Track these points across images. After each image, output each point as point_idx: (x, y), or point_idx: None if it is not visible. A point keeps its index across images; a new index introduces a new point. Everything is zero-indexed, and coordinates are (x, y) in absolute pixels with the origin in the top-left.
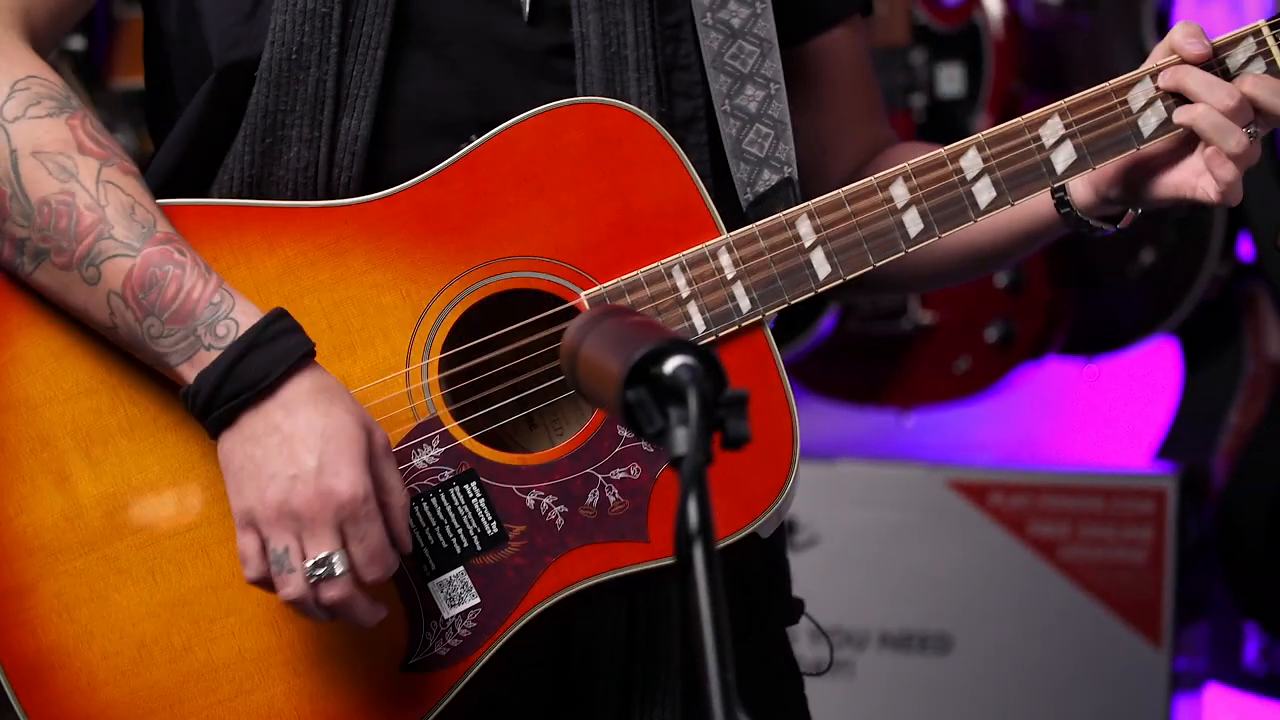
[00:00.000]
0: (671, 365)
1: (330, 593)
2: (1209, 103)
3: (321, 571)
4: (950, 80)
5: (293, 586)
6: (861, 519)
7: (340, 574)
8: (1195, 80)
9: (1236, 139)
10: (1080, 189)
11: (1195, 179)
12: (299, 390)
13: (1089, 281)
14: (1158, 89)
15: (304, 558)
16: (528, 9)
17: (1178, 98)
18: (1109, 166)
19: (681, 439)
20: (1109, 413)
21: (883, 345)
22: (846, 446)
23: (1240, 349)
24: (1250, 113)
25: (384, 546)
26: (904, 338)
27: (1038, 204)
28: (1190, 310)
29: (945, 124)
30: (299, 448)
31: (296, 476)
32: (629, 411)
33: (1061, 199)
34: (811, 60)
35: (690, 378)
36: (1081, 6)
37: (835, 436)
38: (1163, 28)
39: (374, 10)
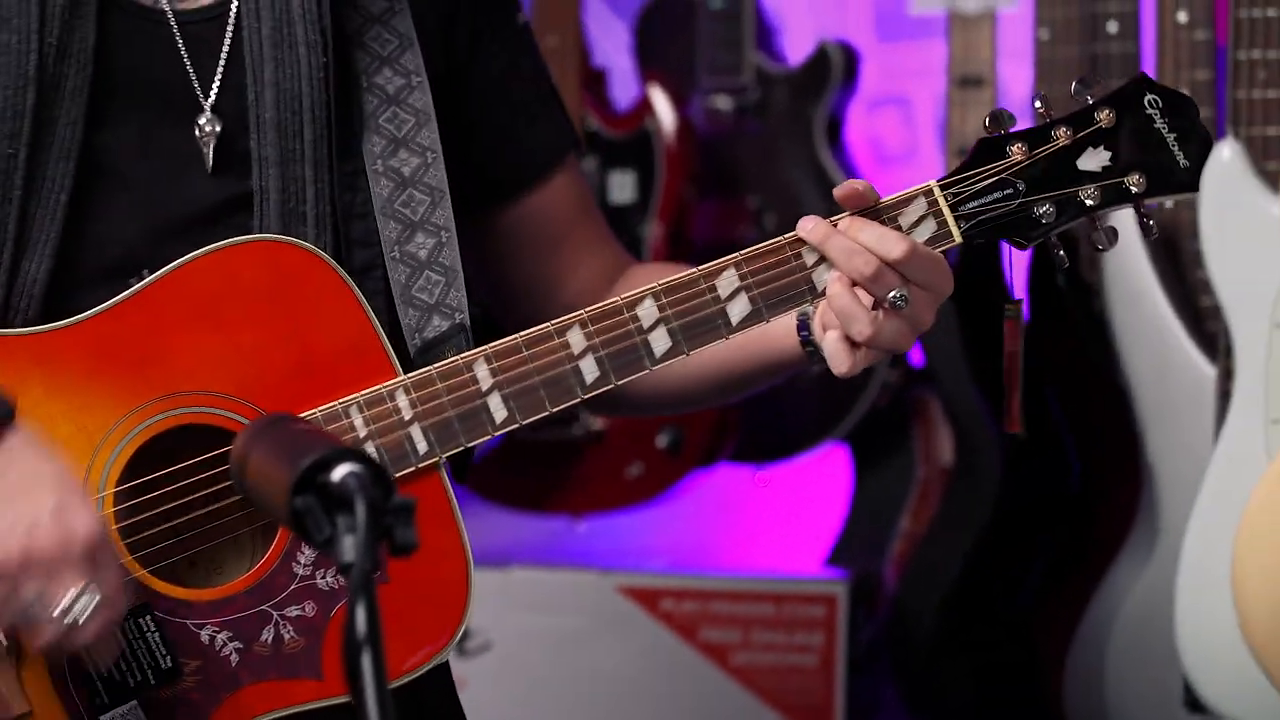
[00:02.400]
0: (339, 473)
1: (89, 628)
2: (846, 272)
3: (78, 607)
4: (622, 187)
5: (49, 632)
6: (534, 625)
7: (95, 608)
8: (835, 246)
9: (860, 327)
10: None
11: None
12: (16, 440)
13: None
14: None
15: (56, 600)
16: (211, 162)
17: None
18: None
19: (349, 546)
20: (780, 519)
21: (554, 452)
22: (518, 553)
23: (911, 455)
24: (894, 279)
25: (121, 582)
26: (575, 444)
27: (786, 341)
28: (860, 417)
29: (618, 232)
30: (33, 493)
31: (36, 522)
32: (297, 519)
33: (806, 338)
34: (531, 208)
35: (358, 485)
36: (753, 113)
37: (507, 543)
38: (834, 135)
39: (59, 154)
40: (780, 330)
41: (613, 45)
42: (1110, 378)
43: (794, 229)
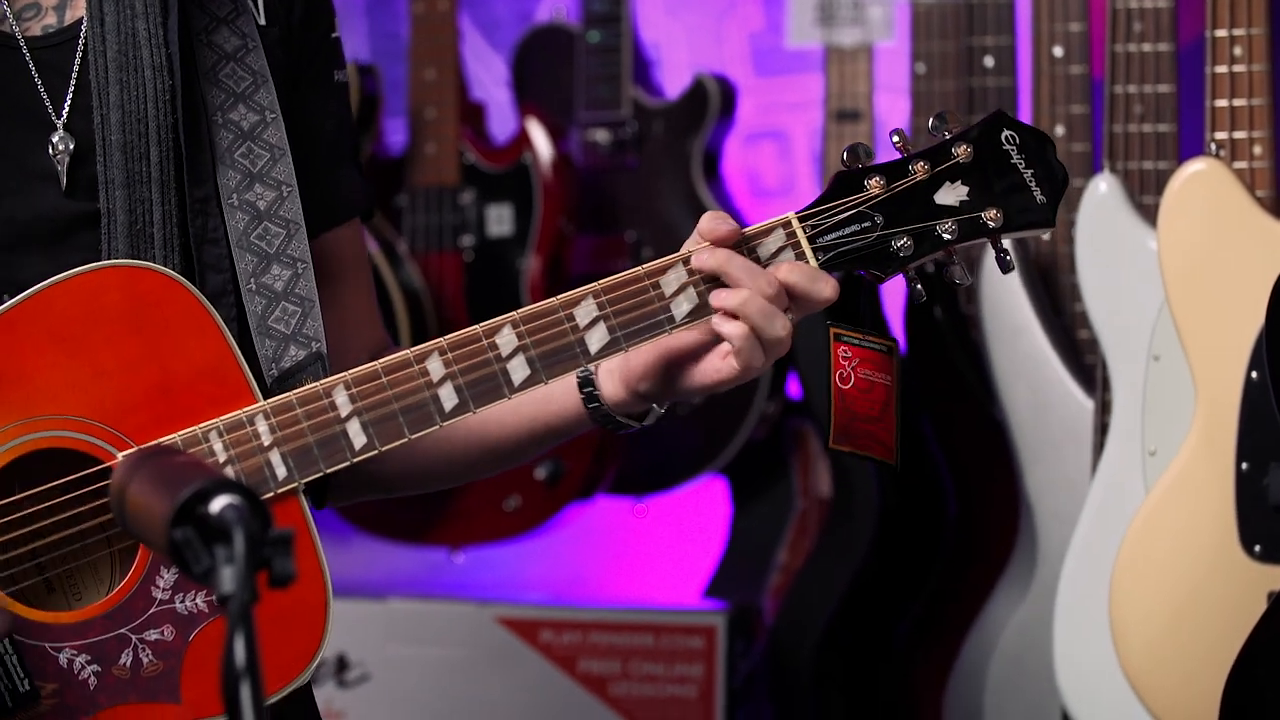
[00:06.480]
0: (218, 505)
1: None
2: (751, 288)
3: None
4: (500, 221)
5: None
6: (413, 655)
7: None
8: (737, 266)
9: (781, 322)
10: (610, 385)
11: (721, 363)
12: None
13: None
14: (690, 274)
15: None
16: (65, 180)
17: (711, 283)
18: (640, 362)
19: (228, 577)
20: (659, 551)
21: None
22: (397, 584)
23: (789, 487)
24: (786, 299)
25: None
26: None
27: (565, 399)
28: (739, 449)
29: (495, 264)
30: None
31: None
32: (176, 550)
33: (591, 394)
34: (317, 256)
35: (236, 517)
36: (630, 148)
37: (386, 574)
38: (712, 168)
39: None
40: (559, 390)
41: (491, 79)
42: (988, 411)
43: None
